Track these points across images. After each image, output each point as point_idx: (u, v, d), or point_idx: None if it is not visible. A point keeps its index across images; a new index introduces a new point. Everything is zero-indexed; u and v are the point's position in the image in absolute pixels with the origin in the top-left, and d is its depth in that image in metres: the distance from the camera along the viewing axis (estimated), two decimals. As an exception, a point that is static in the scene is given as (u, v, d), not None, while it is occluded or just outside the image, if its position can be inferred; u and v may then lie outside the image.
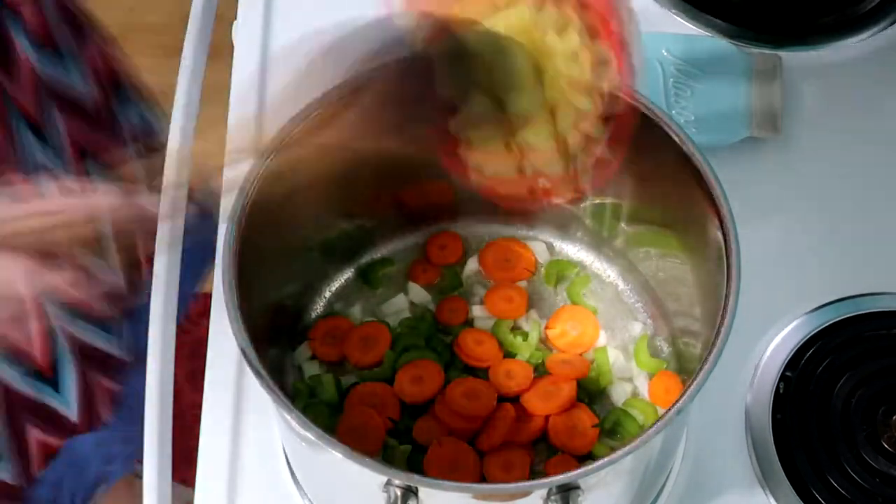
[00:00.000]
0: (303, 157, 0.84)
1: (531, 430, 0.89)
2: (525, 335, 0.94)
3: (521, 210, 0.99)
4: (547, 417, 0.89)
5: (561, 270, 0.98)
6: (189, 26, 1.07)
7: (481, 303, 0.96)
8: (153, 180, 0.69)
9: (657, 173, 0.86)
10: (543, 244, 0.99)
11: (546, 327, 0.95)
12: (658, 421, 0.73)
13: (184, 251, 0.91)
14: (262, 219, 0.82)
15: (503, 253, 0.98)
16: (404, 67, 0.79)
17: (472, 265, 0.98)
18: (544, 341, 0.94)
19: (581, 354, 0.93)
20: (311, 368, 0.94)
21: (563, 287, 0.98)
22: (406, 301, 0.97)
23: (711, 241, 0.81)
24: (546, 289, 0.98)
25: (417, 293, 0.97)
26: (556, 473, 0.71)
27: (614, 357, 0.93)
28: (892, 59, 1.11)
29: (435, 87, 0.79)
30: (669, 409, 0.73)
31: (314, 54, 0.77)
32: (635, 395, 0.92)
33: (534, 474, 0.87)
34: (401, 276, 0.99)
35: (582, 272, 0.98)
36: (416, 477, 0.72)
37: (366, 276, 0.98)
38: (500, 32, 0.78)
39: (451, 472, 0.85)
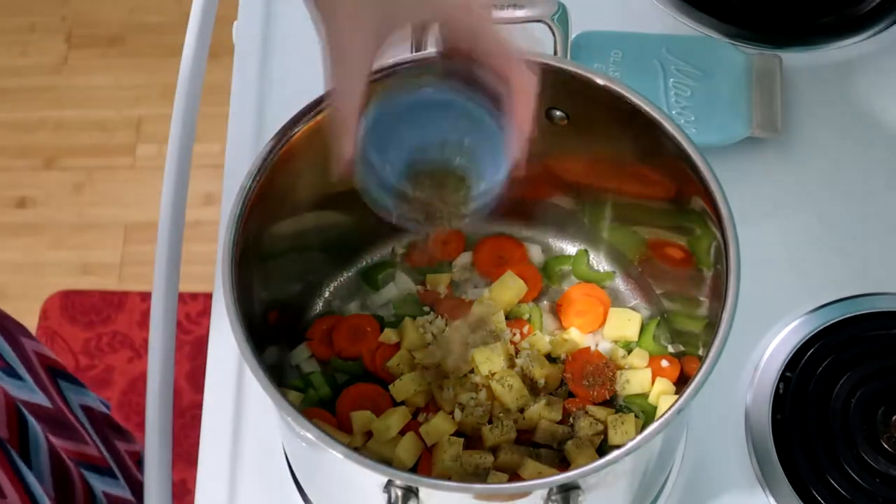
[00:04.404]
0: (304, 158, 0.84)
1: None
2: (537, 313, 0.95)
3: (521, 209, 0.99)
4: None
5: (560, 264, 0.98)
6: (189, 26, 1.07)
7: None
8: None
9: (657, 173, 0.86)
10: (539, 246, 0.99)
11: (557, 304, 0.96)
12: (658, 421, 0.73)
13: None
14: (262, 219, 0.82)
15: (497, 250, 0.98)
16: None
17: (464, 258, 0.98)
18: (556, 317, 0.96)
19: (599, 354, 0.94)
20: (310, 367, 0.94)
21: (565, 280, 0.98)
22: (395, 291, 0.97)
23: (711, 242, 0.81)
24: (550, 287, 0.98)
25: (404, 282, 0.97)
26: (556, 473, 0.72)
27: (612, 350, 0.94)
28: (892, 59, 1.11)
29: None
30: (669, 409, 0.73)
31: None
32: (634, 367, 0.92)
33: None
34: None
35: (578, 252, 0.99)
36: (417, 477, 0.72)
37: (367, 278, 0.98)
38: None
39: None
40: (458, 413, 0.88)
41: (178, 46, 1.06)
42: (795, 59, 1.10)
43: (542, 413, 0.88)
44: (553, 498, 0.72)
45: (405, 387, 0.89)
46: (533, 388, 0.90)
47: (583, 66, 0.83)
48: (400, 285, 0.97)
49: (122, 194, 2.10)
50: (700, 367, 0.74)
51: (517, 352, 0.92)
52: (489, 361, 0.89)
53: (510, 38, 0.73)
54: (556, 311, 0.96)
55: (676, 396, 0.80)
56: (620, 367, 0.93)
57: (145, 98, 2.20)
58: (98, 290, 2.00)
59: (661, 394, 0.90)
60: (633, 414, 0.90)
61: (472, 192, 0.79)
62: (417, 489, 0.72)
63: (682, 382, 0.91)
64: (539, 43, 0.84)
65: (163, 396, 0.90)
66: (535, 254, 0.99)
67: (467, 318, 0.92)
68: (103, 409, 1.19)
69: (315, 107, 0.82)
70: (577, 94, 0.84)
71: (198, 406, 0.95)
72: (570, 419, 0.89)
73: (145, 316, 1.93)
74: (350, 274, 0.99)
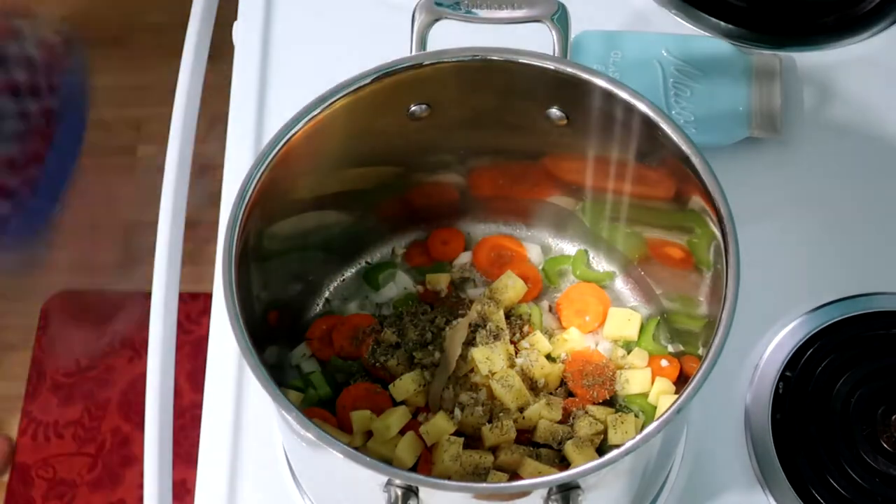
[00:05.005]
0: (304, 158, 0.84)
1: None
2: (537, 312, 0.95)
3: (521, 209, 0.99)
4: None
5: (559, 264, 0.98)
6: (189, 26, 1.07)
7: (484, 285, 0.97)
8: None
9: (657, 173, 0.86)
10: (539, 247, 0.99)
11: (557, 304, 0.96)
12: (658, 420, 0.73)
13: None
14: (262, 219, 0.82)
15: (496, 249, 0.98)
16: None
17: (464, 258, 0.99)
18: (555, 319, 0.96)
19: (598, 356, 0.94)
20: (310, 367, 0.94)
21: (565, 280, 0.98)
22: (395, 291, 0.97)
23: (711, 242, 0.81)
24: (550, 287, 0.98)
25: (404, 282, 0.97)
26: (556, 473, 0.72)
27: (613, 350, 0.94)
28: (893, 59, 1.11)
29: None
30: (669, 409, 0.73)
31: None
32: (633, 367, 0.92)
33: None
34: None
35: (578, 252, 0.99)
36: (417, 477, 0.72)
37: (367, 278, 0.98)
38: None
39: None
40: (458, 413, 0.88)
41: (178, 46, 1.06)
42: (795, 59, 1.10)
43: (541, 413, 0.88)
44: (553, 498, 0.72)
45: (405, 387, 0.89)
46: (533, 387, 0.90)
47: (583, 66, 0.83)
48: (400, 285, 0.97)
49: (122, 194, 2.10)
50: (700, 367, 0.74)
51: (517, 352, 0.92)
52: (489, 361, 0.89)
53: None
54: (556, 311, 0.96)
55: (676, 396, 0.80)
56: (620, 367, 0.93)
57: (145, 98, 2.20)
58: (98, 290, 2.00)
59: (661, 393, 0.90)
60: (632, 414, 0.90)
61: None
62: (417, 489, 0.72)
63: (681, 382, 0.91)
64: (539, 43, 0.84)
65: (163, 396, 0.90)
66: (535, 254, 0.99)
67: (467, 318, 0.92)
68: None
69: (315, 107, 0.82)
70: (577, 94, 0.84)
71: (198, 406, 0.95)
72: (570, 419, 0.89)
73: (145, 316, 1.93)
74: (350, 274, 0.99)
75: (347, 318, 0.95)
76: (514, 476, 0.86)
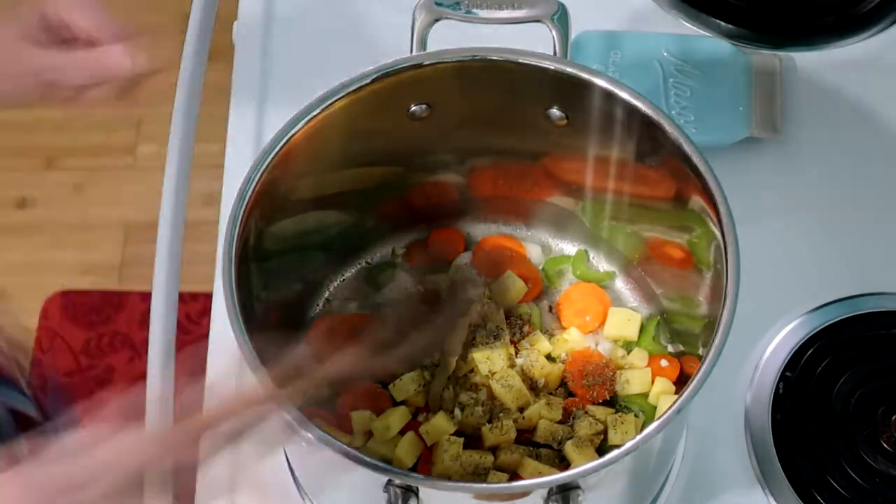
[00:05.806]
0: (304, 158, 0.84)
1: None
2: (537, 313, 0.95)
3: (521, 209, 0.99)
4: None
5: (559, 264, 0.98)
6: (189, 26, 1.07)
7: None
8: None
9: (657, 173, 0.86)
10: (539, 247, 0.99)
11: (557, 304, 0.96)
12: (658, 420, 0.73)
13: None
14: (262, 219, 0.83)
15: (496, 249, 0.98)
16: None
17: (464, 258, 0.99)
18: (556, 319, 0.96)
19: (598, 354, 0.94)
20: (310, 368, 0.94)
21: (565, 280, 0.98)
22: (395, 291, 0.97)
23: (711, 242, 0.81)
24: (550, 287, 0.98)
25: (404, 282, 0.97)
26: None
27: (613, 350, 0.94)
28: (892, 59, 1.11)
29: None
30: (669, 409, 0.73)
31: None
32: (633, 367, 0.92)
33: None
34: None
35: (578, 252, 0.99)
36: (417, 476, 0.72)
37: (367, 278, 0.98)
38: None
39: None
40: (458, 413, 0.88)
41: (178, 46, 1.06)
42: (795, 59, 1.10)
43: (541, 413, 0.88)
44: (553, 498, 0.72)
45: (405, 387, 0.89)
46: (533, 387, 0.90)
47: (583, 66, 0.84)
48: (400, 285, 0.97)
49: (122, 194, 2.10)
50: (700, 367, 0.74)
51: (517, 352, 0.92)
52: (489, 361, 0.89)
53: None
54: (556, 311, 0.96)
55: (676, 396, 0.80)
56: (620, 367, 0.93)
57: (145, 98, 2.20)
58: (98, 290, 2.00)
59: (661, 393, 0.90)
60: (632, 414, 0.90)
61: None
62: (417, 489, 0.72)
63: (681, 382, 0.91)
64: (539, 43, 0.84)
65: (163, 396, 0.90)
66: (535, 254, 0.99)
67: (467, 318, 0.92)
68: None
69: (315, 107, 0.82)
70: (577, 94, 0.84)
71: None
72: (570, 419, 0.89)
73: (145, 316, 1.93)
74: (350, 274, 0.99)
75: (347, 318, 0.95)
76: (514, 476, 0.86)
